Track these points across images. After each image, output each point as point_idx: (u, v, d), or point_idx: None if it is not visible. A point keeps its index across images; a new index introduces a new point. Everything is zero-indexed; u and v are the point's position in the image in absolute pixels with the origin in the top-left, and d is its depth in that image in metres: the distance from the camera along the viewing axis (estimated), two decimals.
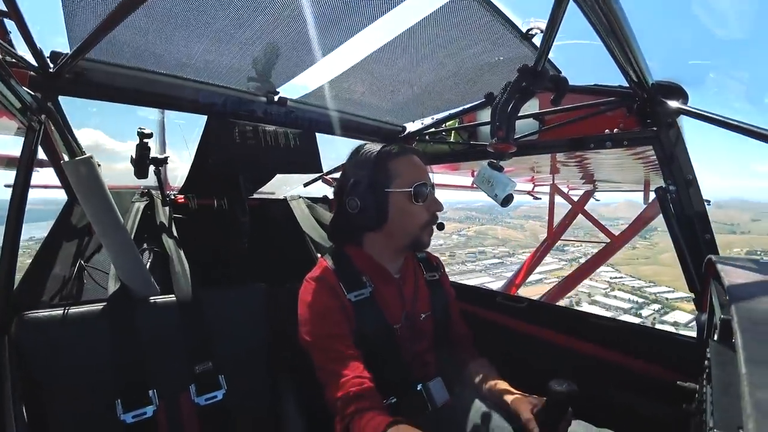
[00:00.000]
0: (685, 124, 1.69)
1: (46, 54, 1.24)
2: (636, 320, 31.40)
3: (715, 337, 0.70)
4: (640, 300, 37.32)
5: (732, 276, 0.80)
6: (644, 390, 1.40)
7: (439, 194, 1.33)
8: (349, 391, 1.04)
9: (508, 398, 1.19)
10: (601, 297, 37.65)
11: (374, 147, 1.30)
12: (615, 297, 37.00)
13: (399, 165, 1.26)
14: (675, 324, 30.38)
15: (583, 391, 1.00)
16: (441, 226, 1.33)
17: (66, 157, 1.24)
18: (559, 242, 7.76)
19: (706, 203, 1.32)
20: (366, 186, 1.23)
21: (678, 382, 0.85)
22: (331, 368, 1.09)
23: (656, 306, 36.12)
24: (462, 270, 45.53)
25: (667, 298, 36.99)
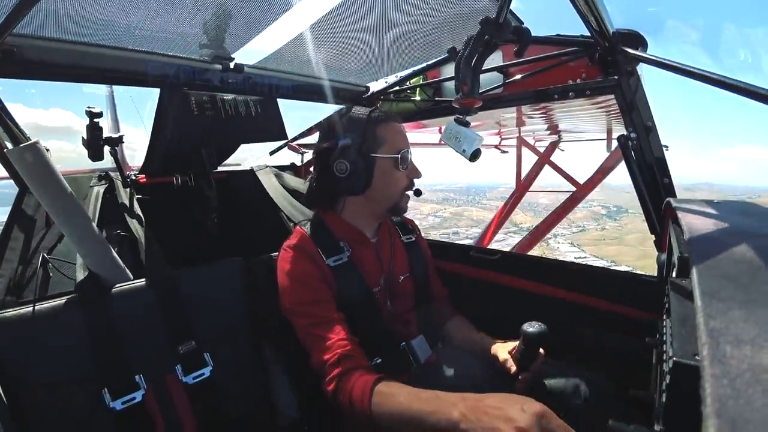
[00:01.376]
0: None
1: None
2: None
3: (674, 275, 0.75)
4: None
5: (689, 217, 0.84)
6: (611, 327, 1.49)
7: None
8: (336, 353, 1.06)
9: (487, 346, 1.26)
10: None
11: (362, 111, 1.30)
12: None
13: (386, 131, 1.26)
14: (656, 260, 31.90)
15: (554, 333, 1.06)
16: (418, 192, 1.36)
17: (9, 145, 1.15)
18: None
19: (664, 148, 1.37)
20: (356, 150, 1.23)
21: (641, 318, 0.91)
22: (315, 333, 1.11)
23: None
24: None
25: None
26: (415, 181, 1.33)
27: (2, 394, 1.00)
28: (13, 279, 1.32)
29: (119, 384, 1.14)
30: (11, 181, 1.48)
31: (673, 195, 1.32)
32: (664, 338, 0.66)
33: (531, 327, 1.08)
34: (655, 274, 1.22)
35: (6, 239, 1.41)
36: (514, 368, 1.13)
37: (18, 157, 1.12)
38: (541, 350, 1.12)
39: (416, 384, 0.98)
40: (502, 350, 1.20)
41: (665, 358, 0.58)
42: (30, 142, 1.14)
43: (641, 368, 1.01)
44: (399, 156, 1.25)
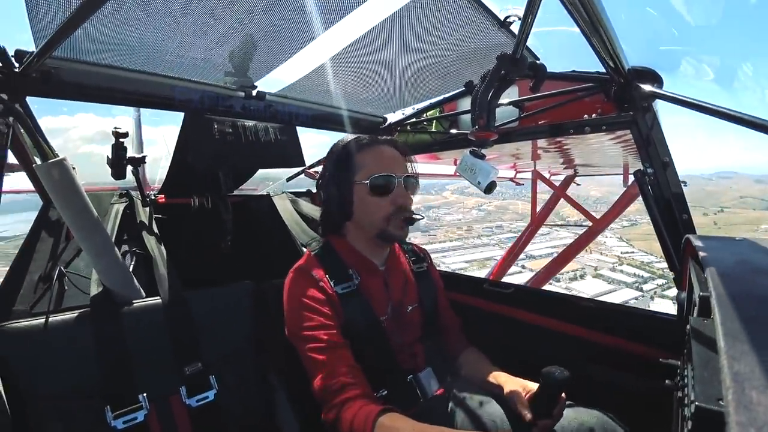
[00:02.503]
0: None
1: (11, 53, 1.19)
2: (636, 293, 31.97)
3: (695, 314, 0.72)
4: (646, 275, 37.49)
5: (709, 255, 0.82)
6: (628, 368, 1.43)
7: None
8: (338, 380, 1.03)
9: (501, 384, 1.21)
10: (607, 271, 37.79)
11: (350, 139, 1.31)
12: (621, 271, 37.18)
13: (365, 157, 1.26)
14: (675, 299, 30.38)
15: (569, 372, 1.02)
16: (409, 221, 1.29)
17: (38, 161, 1.20)
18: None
19: (682, 184, 1.35)
20: (331, 178, 1.26)
21: (661, 359, 0.87)
22: (318, 358, 1.09)
23: (661, 281, 36.32)
24: (476, 243, 45.80)
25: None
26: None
27: (6, 404, 1.00)
28: (31, 290, 1.35)
29: (122, 401, 1.13)
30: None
31: (693, 231, 1.30)
32: (685, 381, 0.63)
33: (553, 372, 1.02)
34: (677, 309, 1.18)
35: (29, 251, 1.44)
36: (529, 416, 1.07)
37: (45, 173, 1.17)
38: (563, 396, 1.07)
39: (423, 419, 0.95)
40: (518, 394, 1.13)
41: (687, 402, 0.56)
42: (57, 158, 1.18)
43: (660, 412, 0.96)
44: (368, 182, 1.23)
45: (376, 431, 0.91)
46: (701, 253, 0.83)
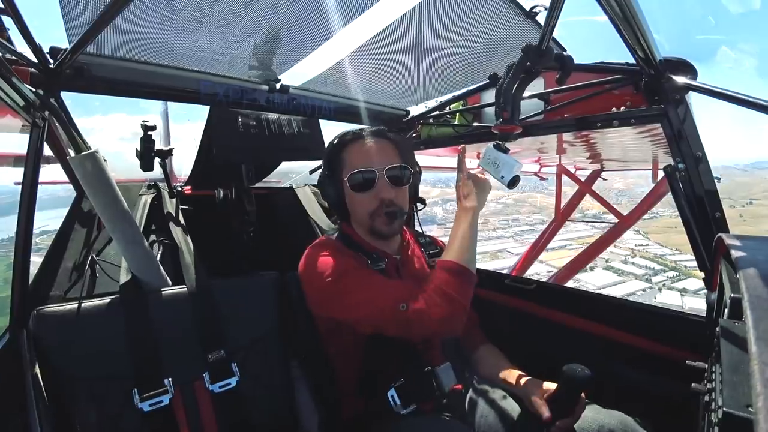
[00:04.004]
0: None
1: (46, 50, 1.24)
2: (644, 285, 31.55)
3: (725, 316, 0.70)
4: (658, 267, 36.73)
5: (742, 255, 0.78)
6: (653, 370, 1.40)
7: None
8: (405, 288, 1.09)
9: (520, 382, 1.20)
10: (618, 263, 36.96)
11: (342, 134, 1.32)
12: (633, 264, 36.42)
13: (349, 153, 1.27)
14: (683, 290, 30.44)
15: (590, 371, 1.00)
16: (391, 215, 1.27)
17: (72, 153, 1.25)
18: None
19: (716, 180, 1.30)
20: (324, 177, 1.29)
21: (687, 362, 0.85)
22: (372, 288, 1.13)
23: (672, 273, 35.48)
24: (491, 236, 45.88)
25: (685, 266, 36.06)
26: None
27: (41, 382, 1.06)
28: (66, 276, 1.41)
29: (149, 385, 1.18)
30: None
31: (725, 230, 1.25)
32: (713, 385, 0.61)
33: (573, 371, 1.00)
34: (705, 312, 1.14)
35: (64, 239, 1.50)
36: (548, 414, 1.06)
37: (78, 164, 1.21)
38: (583, 395, 1.06)
39: (440, 414, 0.95)
40: (537, 393, 1.12)
41: (714, 408, 0.54)
42: (90, 151, 1.23)
43: (684, 417, 0.94)
44: (347, 179, 1.23)
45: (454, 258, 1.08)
46: (734, 253, 0.80)
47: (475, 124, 2.46)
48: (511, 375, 1.25)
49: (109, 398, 1.14)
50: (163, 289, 1.32)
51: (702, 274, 1.32)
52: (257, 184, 2.14)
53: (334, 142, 1.28)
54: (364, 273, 1.15)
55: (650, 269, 36.19)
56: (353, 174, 1.23)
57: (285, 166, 2.25)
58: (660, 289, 31.04)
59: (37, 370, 1.07)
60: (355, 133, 1.29)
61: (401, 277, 1.32)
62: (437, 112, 2.30)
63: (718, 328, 0.68)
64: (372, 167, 1.24)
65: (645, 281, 33.31)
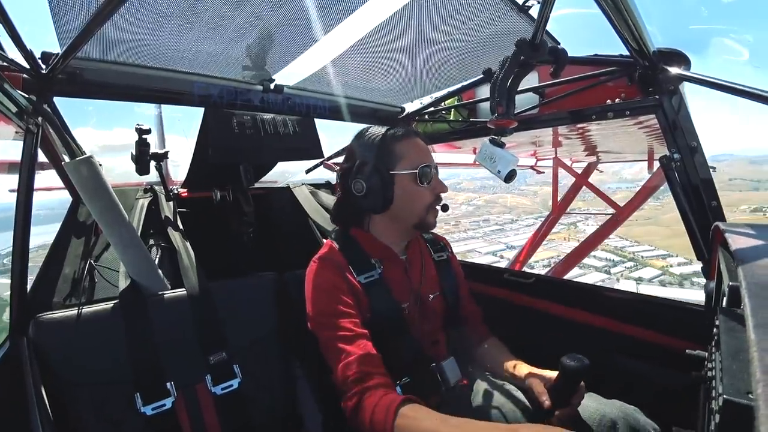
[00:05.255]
0: None
1: (37, 55, 1.23)
2: (603, 276, 32.53)
3: (724, 304, 0.70)
4: (617, 259, 37.91)
5: (739, 243, 0.79)
6: (653, 359, 1.41)
7: (445, 169, 1.32)
8: (360, 369, 1.03)
9: (521, 374, 1.21)
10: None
11: (379, 129, 1.30)
12: (594, 257, 37.18)
13: (404, 147, 1.26)
14: (639, 279, 31.83)
15: (592, 363, 1.01)
16: (445, 208, 1.33)
17: (66, 158, 1.24)
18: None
19: (711, 170, 1.30)
20: (372, 168, 1.23)
21: (687, 351, 0.86)
22: (340, 347, 1.09)
23: (630, 264, 36.87)
24: (461, 237, 45.97)
25: (642, 256, 37.72)
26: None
27: (43, 390, 1.05)
28: (65, 283, 1.40)
29: (151, 389, 1.18)
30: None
31: (722, 219, 1.25)
32: (713, 373, 0.62)
33: (572, 360, 1.00)
34: (698, 292, 1.15)
35: (62, 245, 1.50)
36: (548, 403, 1.07)
37: (74, 170, 1.21)
38: (582, 384, 1.06)
39: (445, 408, 0.95)
40: (538, 382, 1.14)
41: (714, 395, 0.54)
42: (85, 156, 1.22)
43: (686, 404, 0.94)
44: (418, 171, 1.23)
45: (398, 420, 0.91)
46: (731, 242, 0.80)
47: (471, 119, 2.47)
48: (514, 367, 1.26)
49: (112, 403, 1.14)
50: (162, 293, 1.31)
51: (700, 264, 1.33)
52: (254, 185, 2.13)
53: (385, 136, 1.27)
54: (338, 332, 1.11)
55: (610, 261, 37.38)
56: (424, 167, 1.24)
57: (281, 166, 2.24)
58: (618, 279, 32.05)
59: (39, 377, 1.07)
60: (405, 130, 1.30)
61: (409, 275, 1.33)
62: (432, 109, 2.29)
63: (717, 317, 0.69)
64: (431, 163, 1.27)
65: (605, 273, 34.43)
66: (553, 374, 1.11)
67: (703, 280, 1.26)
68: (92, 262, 1.45)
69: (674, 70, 1.30)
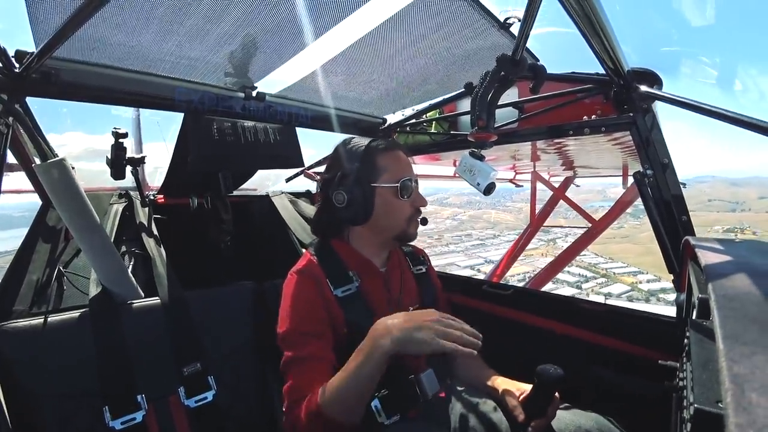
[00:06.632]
0: None
1: (11, 53, 1.19)
2: (574, 291, 33.76)
3: (694, 316, 0.72)
4: (589, 274, 39.21)
5: (708, 256, 0.82)
6: (626, 370, 1.43)
7: (432, 183, 1.34)
8: (306, 392, 1.04)
9: (498, 386, 1.22)
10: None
11: (362, 141, 1.30)
12: (568, 272, 38.26)
13: (386, 160, 1.26)
14: (608, 294, 33.16)
15: (567, 373, 1.02)
16: (424, 221, 1.34)
17: (37, 161, 1.20)
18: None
19: (681, 186, 1.35)
20: (353, 180, 1.23)
21: (660, 361, 0.87)
22: (296, 367, 1.09)
23: (601, 280, 38.25)
24: (443, 251, 46.99)
25: (614, 273, 39.29)
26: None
27: (3, 403, 1.00)
28: (30, 290, 1.34)
29: (120, 402, 1.13)
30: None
31: (692, 233, 1.30)
32: (684, 383, 0.63)
33: (546, 370, 1.02)
34: (669, 307, 1.18)
35: (28, 251, 1.44)
36: (522, 417, 1.08)
37: (44, 172, 1.17)
38: (557, 395, 1.07)
39: (424, 420, 0.94)
40: (511, 396, 1.15)
41: (686, 404, 0.55)
42: (57, 158, 1.18)
43: (659, 415, 0.96)
44: (399, 185, 1.24)
45: (320, 399, 0.98)
46: (700, 255, 0.83)
47: (452, 132, 2.50)
48: (491, 379, 1.27)
49: (79, 416, 1.09)
50: (134, 302, 1.27)
51: (671, 277, 1.36)
52: (233, 193, 2.11)
53: (368, 147, 1.27)
54: (300, 355, 1.12)
55: (583, 276, 38.77)
56: (405, 180, 1.25)
57: (261, 174, 2.22)
58: (588, 294, 33.11)
59: (0, 388, 1.02)
60: (387, 142, 1.31)
61: (389, 288, 1.32)
62: (414, 120, 2.32)
63: (687, 328, 0.71)
64: (412, 176, 1.28)
65: (576, 288, 35.71)
66: (527, 387, 1.12)
67: (668, 297, 1.30)
68: (61, 268, 1.39)
69: (647, 89, 1.34)
